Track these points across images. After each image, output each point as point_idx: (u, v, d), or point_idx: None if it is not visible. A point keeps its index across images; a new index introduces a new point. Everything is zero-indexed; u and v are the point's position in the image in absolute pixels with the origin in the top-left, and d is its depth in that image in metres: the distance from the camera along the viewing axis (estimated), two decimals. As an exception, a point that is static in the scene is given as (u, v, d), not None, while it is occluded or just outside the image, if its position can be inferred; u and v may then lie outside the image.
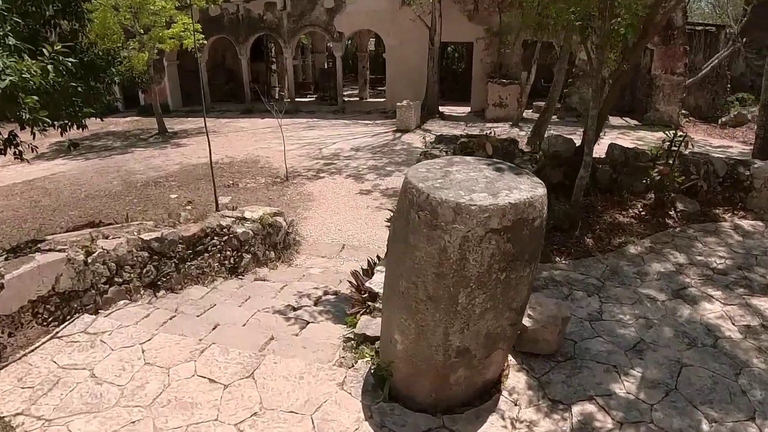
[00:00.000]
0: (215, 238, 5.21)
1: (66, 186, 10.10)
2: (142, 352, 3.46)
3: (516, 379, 3.19)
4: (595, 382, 3.16)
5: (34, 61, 4.15)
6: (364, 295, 3.98)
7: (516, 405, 3.01)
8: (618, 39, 4.20)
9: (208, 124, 7.41)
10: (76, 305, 3.88)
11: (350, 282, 4.64)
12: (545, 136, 7.05)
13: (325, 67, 25.34)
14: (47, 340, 3.61)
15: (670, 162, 5.02)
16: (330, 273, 5.87)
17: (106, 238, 4.34)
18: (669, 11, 4.69)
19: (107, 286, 4.13)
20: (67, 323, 3.78)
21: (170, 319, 4.00)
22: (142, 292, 4.43)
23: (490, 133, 5.32)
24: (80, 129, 6.05)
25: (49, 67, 4.17)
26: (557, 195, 4.75)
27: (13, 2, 4.73)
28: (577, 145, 5.50)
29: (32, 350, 3.51)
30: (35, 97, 4.15)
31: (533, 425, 2.86)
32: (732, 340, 3.53)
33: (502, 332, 2.84)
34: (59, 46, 4.29)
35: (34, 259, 3.66)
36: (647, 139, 12.57)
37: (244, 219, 5.79)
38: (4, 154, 4.95)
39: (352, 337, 3.63)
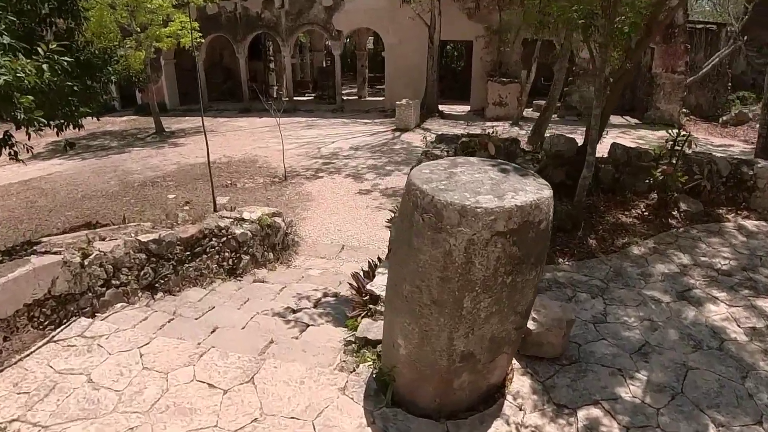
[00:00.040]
0: (213, 239, 5.16)
1: (62, 186, 10.02)
2: (140, 357, 3.40)
3: (520, 383, 3.14)
4: (601, 385, 3.12)
5: (29, 60, 4.08)
6: (365, 298, 3.92)
7: (521, 410, 2.97)
8: (621, 37, 4.15)
9: (205, 124, 7.34)
10: (72, 308, 3.82)
11: (350, 284, 4.59)
12: (546, 135, 7.00)
13: (324, 65, 25.25)
14: (43, 345, 3.54)
15: (673, 162, 4.98)
16: (329, 274, 5.82)
17: (103, 239, 4.28)
18: (673, 10, 4.64)
19: (104, 288, 4.06)
20: (63, 327, 3.71)
21: (168, 322, 3.94)
22: (139, 294, 4.37)
23: (494, 133, 5.27)
24: (76, 129, 5.99)
25: (45, 66, 4.11)
26: (559, 195, 4.68)
27: (8, 0, 4.66)
28: (579, 144, 5.46)
29: (28, 355, 3.45)
30: (30, 97, 4.08)
31: (539, 430, 2.82)
32: (738, 343, 3.49)
33: (507, 336, 2.79)
34: (55, 45, 4.23)
35: (29, 261, 3.60)
36: (648, 138, 12.53)
37: (243, 220, 5.74)
38: (-1, 155, 4.88)
39: (353, 340, 3.58)
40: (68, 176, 10.78)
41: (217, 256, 5.22)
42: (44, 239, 4.36)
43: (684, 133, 4.95)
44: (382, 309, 3.68)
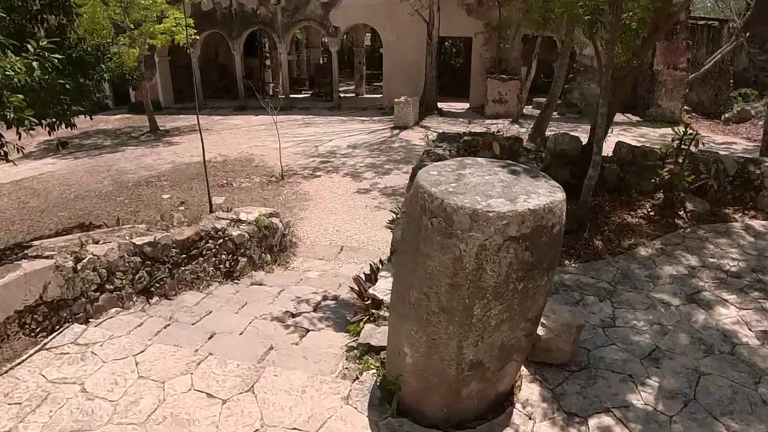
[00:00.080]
0: (210, 241, 5.04)
1: (55, 186, 9.84)
2: (136, 365, 3.28)
3: (529, 391, 3.05)
4: (612, 392, 3.04)
5: (18, 58, 3.95)
6: (367, 302, 3.82)
7: (530, 419, 2.88)
8: (629, 34, 4.05)
9: (201, 122, 7.20)
10: (65, 314, 3.70)
11: (351, 287, 4.49)
12: (548, 133, 6.90)
13: (321, 62, 25.08)
14: (35, 352, 3.43)
15: (680, 161, 4.89)
16: (328, 276, 5.71)
17: (97, 242, 4.15)
18: (682, 6, 4.55)
19: (98, 293, 3.94)
20: (56, 334, 3.60)
21: (164, 327, 3.83)
22: (134, 299, 4.25)
23: (499, 132, 5.17)
24: (69, 128, 5.86)
25: (35, 63, 3.98)
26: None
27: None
28: (583, 143, 5.36)
29: (19, 363, 3.33)
30: (20, 96, 3.95)
31: (549, 441, 2.73)
32: (750, 347, 3.41)
33: (517, 344, 2.70)
34: (45, 42, 4.09)
35: (20, 266, 3.48)
36: (650, 135, 12.47)
37: (240, 221, 5.62)
38: (-12, 155, 4.74)
39: (355, 346, 3.48)
40: (61, 176, 10.60)
41: (214, 259, 5.10)
42: (36, 242, 4.23)
43: (690, 131, 4.85)
44: (385, 314, 3.59)
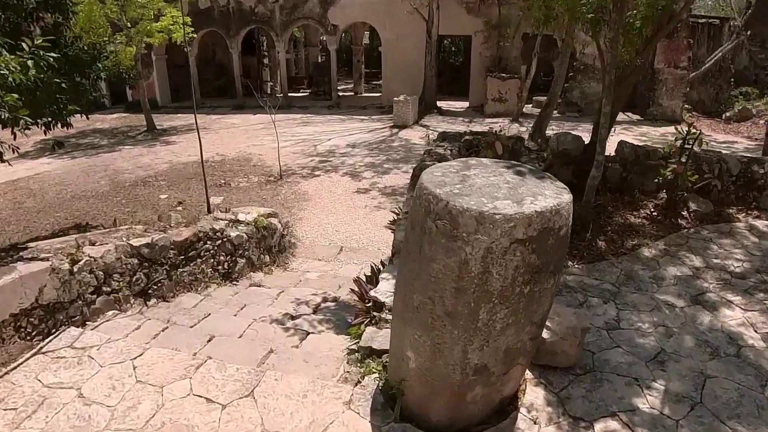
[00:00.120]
0: (208, 242, 4.98)
1: (51, 186, 9.76)
2: (134, 369, 3.23)
3: (534, 395, 3.01)
4: (617, 396, 2.99)
5: (13, 57, 3.89)
6: (368, 304, 3.76)
7: (535, 423, 2.83)
8: (633, 32, 4.00)
9: (198, 121, 7.13)
10: (61, 317, 3.65)
11: (352, 289, 4.43)
12: (549, 132, 6.85)
13: (319, 60, 25.01)
14: (31, 356, 3.37)
15: (683, 160, 4.85)
16: (328, 277, 5.65)
17: (93, 244, 4.09)
18: (687, 4, 4.50)
19: (95, 296, 3.89)
20: (52, 337, 3.54)
21: (162, 330, 3.78)
22: (132, 301, 4.19)
23: (501, 131, 5.11)
24: (65, 127, 5.79)
25: (30, 62, 3.92)
26: (566, 195, 4.55)
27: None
28: (585, 142, 5.32)
29: (15, 367, 3.27)
30: (15, 95, 3.90)
31: (555, 446, 2.68)
32: (756, 349, 3.37)
33: (522, 347, 2.65)
34: (40, 40, 4.02)
35: (15, 269, 3.43)
36: (650, 134, 12.43)
37: (238, 221, 5.56)
38: (-17, 156, 4.67)
39: (357, 349, 3.43)
40: (57, 176, 10.51)
41: (212, 260, 5.04)
42: (31, 244, 4.17)
43: (694, 130, 4.81)
44: (387, 316, 3.54)
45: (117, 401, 2.96)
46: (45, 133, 5.64)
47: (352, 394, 2.99)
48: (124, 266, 4.12)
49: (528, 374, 3.12)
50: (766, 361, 3.26)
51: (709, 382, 3.09)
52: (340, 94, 19.66)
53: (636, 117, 14.93)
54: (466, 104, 17.49)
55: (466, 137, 5.21)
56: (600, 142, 4.46)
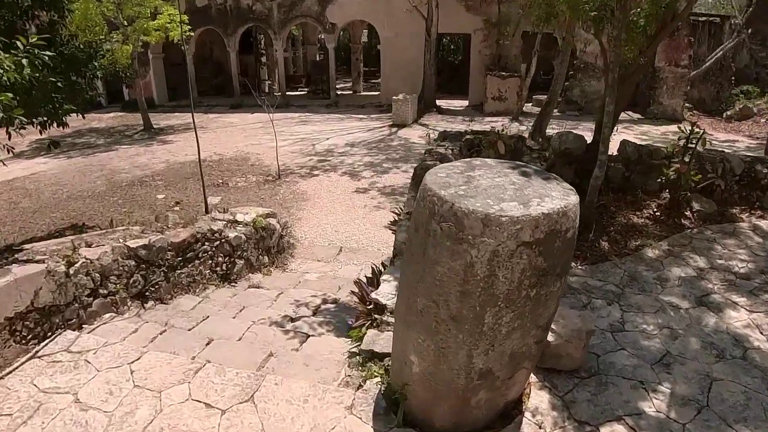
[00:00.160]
0: (206, 243, 4.92)
1: (47, 186, 9.67)
2: (131, 373, 3.17)
3: (539, 399, 2.96)
4: (623, 400, 2.95)
5: (7, 55, 3.82)
6: (369, 307, 3.71)
7: (540, 428, 2.79)
8: (636, 30, 3.95)
9: (195, 120, 7.07)
10: (57, 320, 3.58)
11: (353, 291, 4.38)
12: (549, 131, 6.81)
13: (317, 59, 24.91)
14: (26, 361, 3.31)
15: (686, 160, 4.81)
16: (327, 278, 5.60)
17: (89, 246, 4.03)
18: (691, 3, 4.45)
19: (91, 298, 3.82)
20: (48, 341, 3.47)
21: (160, 333, 3.71)
22: (129, 303, 4.13)
23: (503, 130, 5.06)
24: (61, 126, 5.72)
25: (24, 61, 3.85)
26: (569, 195, 4.50)
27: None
28: (587, 141, 5.27)
29: (10, 372, 3.21)
30: (9, 94, 3.82)
31: (561, 451, 2.64)
32: (762, 351, 3.34)
33: (528, 351, 2.60)
34: (35, 38, 3.95)
35: (10, 272, 3.36)
36: (651, 133, 12.40)
37: (236, 222, 5.50)
38: (-23, 156, 4.60)
39: (358, 352, 3.37)
40: (53, 176, 10.42)
41: (210, 261, 4.98)
42: (27, 246, 4.10)
43: (697, 129, 4.76)
44: (389, 319, 3.48)
45: (114, 406, 2.90)
46: (41, 133, 5.57)
47: (354, 399, 2.93)
48: (120, 268, 4.06)
49: (532, 378, 3.07)
50: (772, 364, 3.22)
51: (716, 385, 3.06)
52: (339, 92, 19.59)
53: (636, 116, 14.88)
54: (465, 103, 17.44)
55: (467, 136, 5.16)
56: (603, 142, 4.41)
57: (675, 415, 2.86)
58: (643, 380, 3.08)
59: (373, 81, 23.42)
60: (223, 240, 5.13)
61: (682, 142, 4.84)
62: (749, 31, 15.14)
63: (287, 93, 19.22)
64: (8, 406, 2.93)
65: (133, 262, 4.16)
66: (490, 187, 2.35)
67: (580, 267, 4.25)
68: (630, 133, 12.16)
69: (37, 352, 3.37)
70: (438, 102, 16.52)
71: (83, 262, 3.78)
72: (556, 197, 2.30)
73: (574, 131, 5.82)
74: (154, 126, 14.91)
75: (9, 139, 4.53)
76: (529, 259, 2.21)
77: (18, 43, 3.86)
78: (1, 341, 3.24)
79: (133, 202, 8.64)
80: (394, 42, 17.11)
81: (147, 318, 4.03)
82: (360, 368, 3.23)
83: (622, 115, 14.66)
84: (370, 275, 4.38)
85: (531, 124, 11.68)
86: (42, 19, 5.95)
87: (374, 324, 3.52)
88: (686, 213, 4.86)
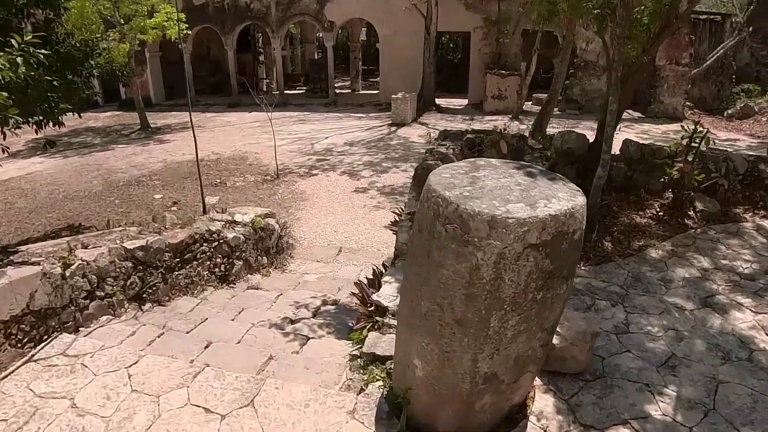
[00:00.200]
0: (204, 244, 4.86)
1: (43, 186, 9.58)
2: (128, 378, 3.11)
3: (543, 402, 2.92)
4: (629, 403, 2.91)
5: (2, 54, 3.75)
6: (370, 309, 3.66)
7: (545, 432, 2.74)
8: (640, 29, 3.90)
9: (193, 119, 7.00)
10: (53, 324, 3.52)
11: (353, 293, 4.33)
12: (551, 130, 6.76)
13: (316, 57, 24.81)
14: (22, 365, 3.25)
15: (690, 159, 4.76)
16: (327, 279, 5.55)
17: (86, 247, 3.97)
18: (694, 1, 4.40)
19: (88, 301, 3.76)
20: (44, 344, 3.42)
21: (158, 337, 3.65)
22: (126, 305, 4.07)
23: (505, 130, 5.01)
24: (57, 126, 5.66)
25: (19, 59, 3.78)
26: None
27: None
28: (590, 141, 5.22)
29: (6, 376, 3.16)
30: (5, 93, 3.75)
31: (567, 456, 2.60)
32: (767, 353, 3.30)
33: (533, 355, 2.56)
34: (30, 37, 3.89)
35: (5, 274, 3.31)
36: (652, 132, 12.36)
37: (235, 222, 5.45)
38: (-29, 156, 4.54)
39: (359, 355, 3.32)
40: (49, 175, 10.34)
41: (209, 262, 4.92)
42: (22, 247, 4.04)
43: (700, 128, 4.72)
44: (390, 321, 3.44)
45: (111, 412, 2.85)
46: (36, 132, 5.52)
47: (356, 403, 2.89)
48: (117, 270, 4.00)
49: (537, 381, 3.03)
50: (778, 366, 3.19)
51: (722, 387, 3.02)
52: (337, 91, 19.51)
53: (637, 114, 14.83)
54: (464, 101, 17.38)
55: (468, 136, 5.11)
56: (606, 141, 4.37)
57: (681, 418, 2.82)
58: (648, 383, 3.04)
59: (371, 80, 23.34)
60: (221, 241, 5.07)
61: (685, 141, 4.79)
62: (750, 29, 15.08)
63: (285, 92, 19.14)
64: (4, 411, 2.88)
65: (130, 264, 4.10)
66: (495, 188, 2.30)
67: (583, 268, 4.20)
68: (631, 131, 12.11)
69: (33, 355, 3.31)
70: (437, 101, 16.46)
71: (79, 264, 3.72)
72: (563, 198, 2.25)
73: (575, 130, 5.77)
74: (151, 125, 14.81)
75: (4, 138, 4.47)
76: (535, 262, 2.16)
77: (13, 41, 3.80)
78: (-4, 345, 3.19)
79: (130, 202, 8.57)
80: (393, 40, 17.04)
81: (144, 320, 3.97)
82: (361, 371, 3.18)
83: (623, 114, 14.64)
84: (371, 276, 4.34)
85: (531, 122, 11.63)
86: (37, 17, 5.89)
87: (376, 326, 3.47)
88: (689, 213, 4.82)
